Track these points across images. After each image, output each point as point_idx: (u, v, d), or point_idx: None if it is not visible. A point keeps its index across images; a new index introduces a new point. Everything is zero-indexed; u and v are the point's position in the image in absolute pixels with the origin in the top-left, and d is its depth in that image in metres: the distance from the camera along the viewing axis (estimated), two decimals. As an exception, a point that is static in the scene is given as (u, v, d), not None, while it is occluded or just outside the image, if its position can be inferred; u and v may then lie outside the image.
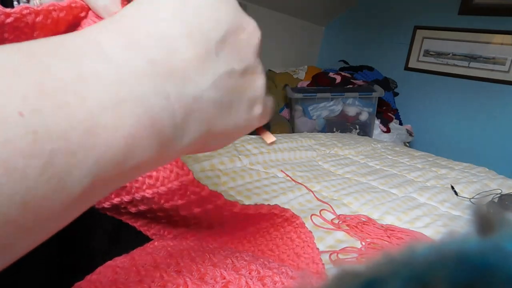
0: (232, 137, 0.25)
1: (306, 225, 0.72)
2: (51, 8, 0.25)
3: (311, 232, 0.42)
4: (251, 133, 0.29)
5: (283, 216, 0.42)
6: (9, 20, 0.24)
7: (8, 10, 0.23)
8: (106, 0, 0.26)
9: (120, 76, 0.16)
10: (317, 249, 0.42)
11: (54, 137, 0.13)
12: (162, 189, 0.33)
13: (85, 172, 0.15)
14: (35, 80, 0.14)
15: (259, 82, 0.24)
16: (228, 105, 0.22)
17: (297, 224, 0.42)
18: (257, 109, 0.25)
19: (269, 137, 0.29)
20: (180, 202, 0.34)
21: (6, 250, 0.14)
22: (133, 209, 0.35)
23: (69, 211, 0.15)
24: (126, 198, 0.34)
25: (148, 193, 0.33)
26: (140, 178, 0.33)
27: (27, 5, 0.24)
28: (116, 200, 0.35)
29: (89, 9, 0.27)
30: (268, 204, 0.41)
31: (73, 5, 0.26)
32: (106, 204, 0.35)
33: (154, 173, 0.33)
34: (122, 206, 0.35)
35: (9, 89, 0.13)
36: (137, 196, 0.34)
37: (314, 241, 0.42)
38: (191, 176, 0.33)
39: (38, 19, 0.24)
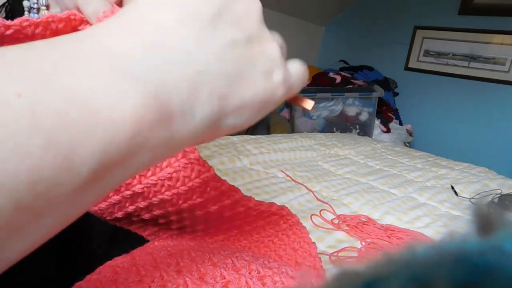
0: (256, 110, 0.23)
1: (305, 225, 0.72)
2: (50, 19, 0.25)
3: (306, 228, 0.43)
4: (286, 103, 0.29)
5: (279, 213, 0.43)
6: (8, 32, 0.24)
7: (8, 22, 0.24)
8: (94, 5, 0.26)
9: (119, 60, 0.17)
10: (313, 243, 0.42)
11: (53, 114, 0.14)
12: (182, 188, 0.33)
13: (91, 151, 0.14)
14: (33, 65, 0.14)
15: (270, 49, 0.24)
16: (239, 75, 0.22)
17: (292, 222, 0.42)
18: (277, 76, 0.24)
19: (307, 103, 0.28)
20: (198, 200, 0.34)
21: (20, 235, 0.13)
22: (147, 215, 0.35)
23: (79, 197, 0.15)
24: (142, 204, 0.34)
25: (167, 195, 0.33)
26: (159, 181, 0.33)
27: (26, 17, 0.25)
28: (130, 208, 0.34)
29: (88, 22, 0.27)
30: (267, 202, 0.41)
31: (72, 17, 0.26)
32: (120, 214, 0.35)
33: (174, 174, 0.33)
34: (136, 214, 0.35)
35: (8, 74, 0.13)
36: (155, 200, 0.34)
37: (309, 236, 0.42)
38: (212, 172, 0.33)
39: (38, 30, 0.24)
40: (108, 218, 0.35)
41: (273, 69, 0.24)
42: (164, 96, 0.17)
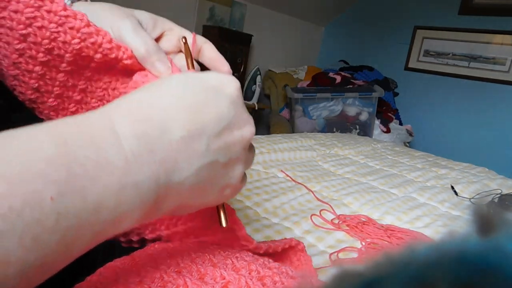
0: (195, 209, 0.28)
1: (305, 224, 0.72)
2: (123, 50, 0.30)
3: (310, 256, 0.42)
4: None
5: (294, 248, 0.41)
6: (97, 56, 0.29)
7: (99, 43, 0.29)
8: (159, 66, 0.32)
9: (126, 165, 0.20)
10: (315, 270, 0.41)
11: (71, 216, 0.17)
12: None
13: (88, 239, 0.19)
14: (64, 169, 0.17)
15: (237, 171, 0.27)
16: (203, 189, 0.25)
17: (298, 248, 0.41)
18: (227, 192, 0.27)
19: (223, 220, 0.31)
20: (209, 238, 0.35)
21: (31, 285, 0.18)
22: (150, 236, 0.36)
23: (74, 258, 0.20)
24: (149, 236, 0.35)
25: (181, 228, 0.35)
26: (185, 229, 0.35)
27: (115, 42, 0.30)
28: (150, 236, 0.36)
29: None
30: (285, 240, 0.40)
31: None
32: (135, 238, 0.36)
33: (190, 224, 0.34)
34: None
35: (46, 177, 0.17)
36: (163, 233, 0.35)
37: (312, 264, 0.42)
38: (243, 232, 0.34)
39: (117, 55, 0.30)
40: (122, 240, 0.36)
41: (228, 187, 0.27)
42: (147, 200, 0.21)
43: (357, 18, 3.31)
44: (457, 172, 1.33)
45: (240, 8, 2.67)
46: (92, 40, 0.29)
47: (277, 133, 1.75)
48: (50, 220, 0.16)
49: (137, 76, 0.32)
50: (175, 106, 0.23)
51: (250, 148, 0.29)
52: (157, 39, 0.36)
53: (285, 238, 0.39)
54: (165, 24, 0.37)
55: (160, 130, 0.22)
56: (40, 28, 0.28)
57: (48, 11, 0.27)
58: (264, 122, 2.96)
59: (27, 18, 0.27)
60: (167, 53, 0.34)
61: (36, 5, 0.27)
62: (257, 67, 2.62)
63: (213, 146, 0.24)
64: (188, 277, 0.26)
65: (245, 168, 0.28)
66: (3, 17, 0.27)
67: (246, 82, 2.60)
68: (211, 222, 0.33)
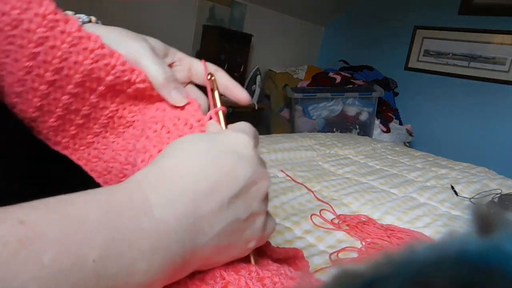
0: (224, 263, 0.28)
1: (305, 224, 0.72)
2: (137, 73, 0.30)
3: (308, 262, 0.42)
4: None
5: (293, 257, 0.41)
6: (109, 78, 0.29)
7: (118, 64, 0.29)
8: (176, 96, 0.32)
9: (157, 232, 0.22)
10: (312, 275, 0.41)
11: (109, 278, 0.19)
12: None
13: None
14: (106, 236, 0.19)
15: (259, 222, 0.28)
16: (227, 246, 0.26)
17: (297, 257, 0.41)
18: (251, 245, 0.28)
19: (252, 260, 0.31)
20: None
21: None
22: None
23: None
24: None
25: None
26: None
27: (128, 65, 0.30)
28: None
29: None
30: (288, 249, 0.40)
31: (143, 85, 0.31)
32: None
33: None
34: None
35: (91, 241, 0.19)
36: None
37: (309, 269, 0.41)
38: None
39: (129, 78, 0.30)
40: None
41: (253, 239, 0.28)
42: (174, 262, 0.23)
43: (357, 18, 3.31)
44: (457, 172, 1.33)
45: (240, 8, 2.67)
46: (105, 61, 0.29)
47: (277, 133, 1.75)
48: (91, 281, 0.18)
49: (154, 112, 0.32)
50: (197, 174, 0.25)
51: (266, 197, 0.30)
52: None
53: (284, 248, 0.38)
54: (175, 54, 0.37)
55: (186, 198, 0.24)
56: (52, 47, 0.27)
57: (62, 32, 0.27)
58: (264, 122, 2.96)
59: (39, 38, 0.27)
60: None
61: (49, 25, 0.27)
62: (257, 67, 2.62)
63: (232, 206, 0.25)
64: (188, 277, 0.26)
65: (265, 217, 0.29)
66: (14, 35, 0.27)
67: (246, 82, 2.60)
68: None
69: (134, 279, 0.20)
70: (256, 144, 0.29)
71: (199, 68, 0.37)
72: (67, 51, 0.28)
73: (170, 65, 0.36)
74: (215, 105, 0.34)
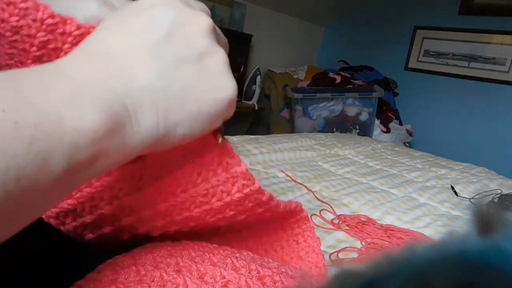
0: (205, 121, 0.26)
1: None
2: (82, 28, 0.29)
3: (319, 239, 0.41)
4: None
5: (297, 216, 0.40)
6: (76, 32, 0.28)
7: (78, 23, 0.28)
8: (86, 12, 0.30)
9: (75, 83, 0.20)
10: (322, 255, 0.41)
11: (31, 125, 0.17)
12: (218, 204, 0.31)
13: (61, 153, 0.18)
14: (13, 89, 0.18)
15: (216, 59, 0.26)
16: (185, 90, 0.24)
17: (306, 227, 0.41)
18: (223, 86, 0.26)
19: (219, 138, 0.29)
20: (230, 213, 0.32)
21: (7, 223, 0.18)
22: (155, 233, 0.34)
23: (55, 190, 0.19)
24: (160, 223, 0.33)
25: (196, 212, 0.31)
26: (188, 199, 0.31)
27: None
28: (142, 230, 0.34)
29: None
30: (292, 201, 0.38)
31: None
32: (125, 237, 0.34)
33: (211, 189, 0.31)
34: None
35: None
36: (177, 218, 0.32)
37: (320, 248, 0.41)
38: (257, 185, 0.31)
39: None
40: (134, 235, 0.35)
41: (221, 78, 0.26)
42: (114, 109, 0.21)
43: (357, 18, 3.31)
44: (457, 172, 1.33)
45: (240, 8, 2.67)
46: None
47: (277, 133, 1.75)
48: (7, 127, 0.16)
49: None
50: (111, 32, 0.24)
51: (220, 42, 0.28)
52: None
53: (284, 201, 0.37)
54: None
55: (103, 52, 0.23)
56: (54, 49, 0.28)
57: (62, 33, 0.28)
58: (264, 122, 2.96)
59: (41, 42, 0.27)
60: None
61: (49, 29, 0.27)
62: (257, 67, 2.62)
63: (166, 46, 0.24)
64: (188, 276, 0.26)
65: (223, 62, 0.27)
66: (16, 40, 0.27)
67: (246, 82, 2.60)
68: (175, 199, 0.32)
69: (67, 125, 0.18)
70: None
71: None
72: (70, 51, 0.28)
73: None
74: None
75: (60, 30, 0.27)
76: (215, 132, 0.29)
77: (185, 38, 0.25)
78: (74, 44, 0.28)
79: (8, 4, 0.26)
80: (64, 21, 0.28)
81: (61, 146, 0.18)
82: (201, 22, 0.26)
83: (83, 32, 0.28)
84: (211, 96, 0.25)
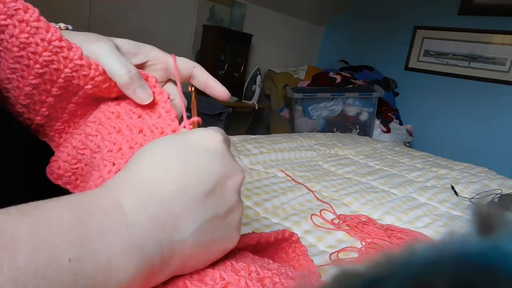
0: (205, 264, 0.27)
1: (305, 224, 0.72)
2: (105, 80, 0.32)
3: (305, 246, 0.42)
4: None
5: (288, 240, 0.41)
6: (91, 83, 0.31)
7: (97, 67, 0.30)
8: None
9: (130, 230, 0.22)
10: (312, 261, 0.41)
11: (86, 277, 0.19)
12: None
13: None
14: (79, 235, 0.19)
15: (237, 217, 0.28)
16: (208, 244, 0.26)
17: (292, 240, 0.41)
18: (234, 239, 0.28)
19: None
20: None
21: None
22: None
23: None
24: None
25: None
26: None
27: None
28: None
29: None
30: (278, 231, 0.40)
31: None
32: None
33: None
34: None
35: (65, 240, 0.19)
36: None
37: (308, 254, 0.42)
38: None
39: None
40: None
41: (234, 233, 0.28)
42: (153, 262, 0.23)
43: (357, 18, 3.31)
44: (457, 172, 1.33)
45: (240, 8, 2.67)
46: (105, 86, 0.32)
47: (277, 133, 1.75)
48: (69, 281, 0.18)
49: (135, 120, 0.33)
50: (165, 175, 0.25)
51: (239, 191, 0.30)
52: (141, 67, 0.36)
53: (278, 230, 0.39)
54: (149, 53, 0.36)
55: (156, 198, 0.24)
56: (56, 70, 0.30)
57: (65, 58, 0.29)
58: (264, 122, 2.96)
59: (45, 60, 0.29)
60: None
61: (54, 50, 0.29)
62: (257, 67, 2.62)
63: (208, 201, 0.25)
64: (188, 278, 0.26)
65: (241, 212, 0.29)
66: (21, 56, 0.28)
67: (246, 82, 2.60)
68: None
69: (112, 278, 0.20)
70: (227, 142, 0.28)
71: (178, 66, 0.36)
72: (70, 76, 0.30)
73: (143, 64, 0.36)
74: (193, 115, 0.34)
75: (64, 54, 0.29)
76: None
77: (224, 194, 0.26)
78: (74, 71, 0.30)
79: (21, 21, 0.27)
80: (70, 47, 0.29)
81: None
82: (238, 178, 0.27)
83: (83, 64, 0.30)
84: (224, 246, 0.27)
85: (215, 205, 0.25)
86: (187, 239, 0.24)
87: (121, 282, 0.21)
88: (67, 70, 0.29)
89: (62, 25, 0.36)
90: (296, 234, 0.41)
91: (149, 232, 0.23)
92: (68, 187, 0.36)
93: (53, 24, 0.31)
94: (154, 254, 0.23)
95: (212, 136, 0.27)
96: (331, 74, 2.80)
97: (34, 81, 0.29)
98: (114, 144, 0.31)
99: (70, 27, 0.37)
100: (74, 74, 0.30)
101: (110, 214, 0.22)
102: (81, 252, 0.19)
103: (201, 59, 2.36)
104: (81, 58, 0.29)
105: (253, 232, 0.36)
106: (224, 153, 0.27)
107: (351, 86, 2.68)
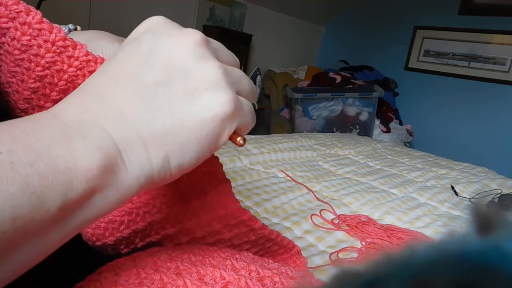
0: (198, 147, 0.23)
1: (305, 224, 0.72)
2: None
3: (305, 258, 0.42)
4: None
5: (290, 252, 0.41)
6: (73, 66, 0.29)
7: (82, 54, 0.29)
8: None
9: (67, 125, 0.21)
10: (311, 274, 0.42)
11: (26, 165, 0.18)
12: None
13: (56, 192, 0.18)
14: (8, 134, 0.18)
15: (205, 72, 0.23)
16: (172, 118, 0.23)
17: (293, 252, 0.41)
18: (215, 103, 0.23)
19: (237, 140, 0.26)
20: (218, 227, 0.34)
21: (5, 265, 0.17)
22: (140, 244, 0.35)
23: (52, 230, 0.19)
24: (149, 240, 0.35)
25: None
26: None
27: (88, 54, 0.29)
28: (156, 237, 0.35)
29: None
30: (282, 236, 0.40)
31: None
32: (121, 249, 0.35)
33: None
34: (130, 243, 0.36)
35: None
36: (153, 238, 0.34)
37: (307, 266, 0.42)
38: (248, 215, 0.33)
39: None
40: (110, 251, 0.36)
41: (208, 95, 0.23)
42: (105, 149, 0.21)
43: (357, 18, 3.31)
44: (457, 172, 1.33)
45: (240, 8, 2.67)
46: None
47: (277, 133, 1.75)
48: (4, 168, 0.17)
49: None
50: (103, 67, 0.24)
51: (220, 57, 0.26)
52: None
53: (283, 236, 0.39)
54: None
55: (90, 92, 0.23)
56: (58, 71, 0.29)
57: (70, 57, 0.28)
58: (264, 122, 2.96)
59: (47, 62, 0.28)
60: None
61: (58, 51, 0.28)
62: (257, 67, 2.62)
63: (145, 72, 0.23)
64: (188, 278, 0.26)
65: (215, 76, 0.24)
66: (22, 59, 0.28)
67: (246, 82, 2.60)
68: (200, 218, 0.33)
69: (58, 168, 0.19)
70: (173, 23, 0.25)
71: None
72: (74, 74, 0.29)
73: None
74: None
75: (69, 53, 0.28)
76: (232, 137, 0.26)
77: (165, 62, 0.23)
78: (79, 68, 0.29)
79: (23, 24, 0.27)
80: (74, 45, 0.29)
81: (55, 185, 0.18)
82: (183, 41, 0.24)
83: (89, 59, 0.29)
84: (198, 117, 0.23)
85: (156, 75, 0.23)
86: (137, 121, 0.22)
87: (75, 168, 0.19)
88: (71, 69, 0.29)
89: (71, 26, 0.36)
90: (297, 246, 0.41)
91: (87, 124, 0.21)
92: None
93: (60, 26, 0.31)
94: (102, 140, 0.21)
95: (154, 19, 0.25)
96: (331, 74, 2.80)
97: (33, 85, 0.29)
98: None
99: (79, 27, 0.37)
100: (78, 72, 0.29)
101: (39, 117, 0.21)
102: (13, 146, 0.18)
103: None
104: (86, 54, 0.29)
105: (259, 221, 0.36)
106: (163, 27, 0.24)
107: (351, 86, 2.68)
